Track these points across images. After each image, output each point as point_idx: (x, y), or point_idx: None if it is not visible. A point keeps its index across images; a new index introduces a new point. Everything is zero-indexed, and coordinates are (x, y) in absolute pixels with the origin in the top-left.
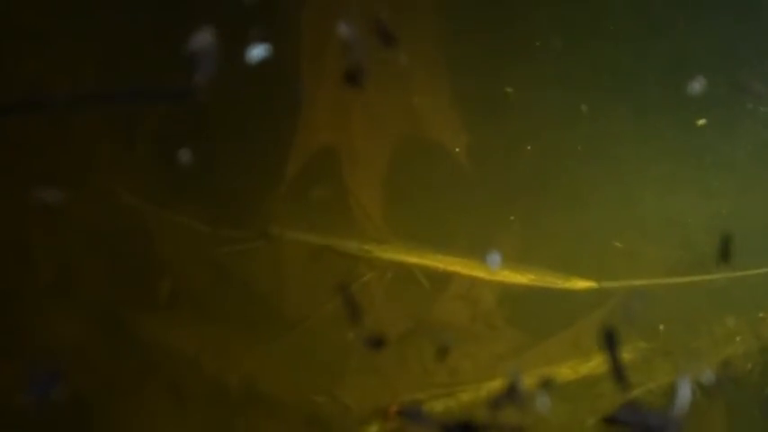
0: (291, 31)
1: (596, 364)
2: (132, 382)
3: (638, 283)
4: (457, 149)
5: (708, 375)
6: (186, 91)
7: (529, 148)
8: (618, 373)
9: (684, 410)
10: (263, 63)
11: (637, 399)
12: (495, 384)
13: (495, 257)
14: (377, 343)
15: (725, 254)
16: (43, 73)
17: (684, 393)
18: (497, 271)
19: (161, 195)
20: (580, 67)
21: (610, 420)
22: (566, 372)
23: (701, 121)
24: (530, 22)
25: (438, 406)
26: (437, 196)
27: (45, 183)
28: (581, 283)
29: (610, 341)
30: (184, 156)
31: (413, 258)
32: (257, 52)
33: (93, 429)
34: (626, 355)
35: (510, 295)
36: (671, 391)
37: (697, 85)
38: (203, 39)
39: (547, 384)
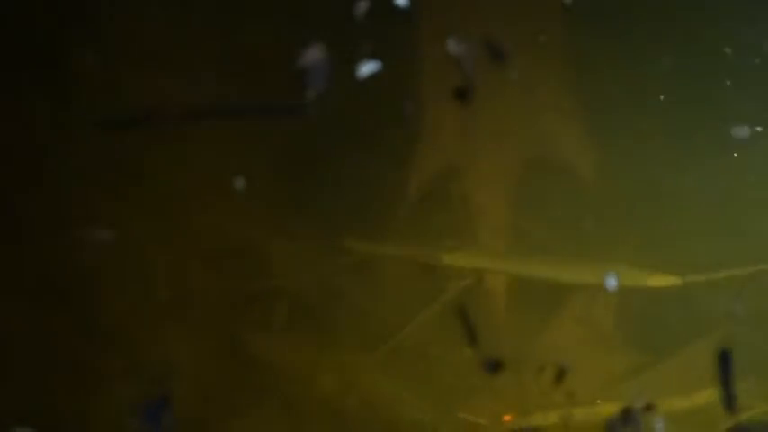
0: (402, 48)
1: (710, 392)
2: (247, 403)
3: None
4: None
5: None
6: (298, 106)
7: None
8: (729, 397)
9: None
10: (374, 78)
11: (747, 421)
12: (611, 407)
13: (612, 280)
14: (494, 366)
15: None
16: (159, 89)
17: None
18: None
19: (274, 214)
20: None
21: None
22: (679, 400)
23: None
24: (650, 34)
25: (552, 417)
26: (560, 212)
27: (164, 202)
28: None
29: (724, 364)
30: (295, 174)
31: (531, 272)
32: (368, 68)
33: None
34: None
35: (628, 315)
36: None
37: None
38: (314, 54)
39: (660, 408)
